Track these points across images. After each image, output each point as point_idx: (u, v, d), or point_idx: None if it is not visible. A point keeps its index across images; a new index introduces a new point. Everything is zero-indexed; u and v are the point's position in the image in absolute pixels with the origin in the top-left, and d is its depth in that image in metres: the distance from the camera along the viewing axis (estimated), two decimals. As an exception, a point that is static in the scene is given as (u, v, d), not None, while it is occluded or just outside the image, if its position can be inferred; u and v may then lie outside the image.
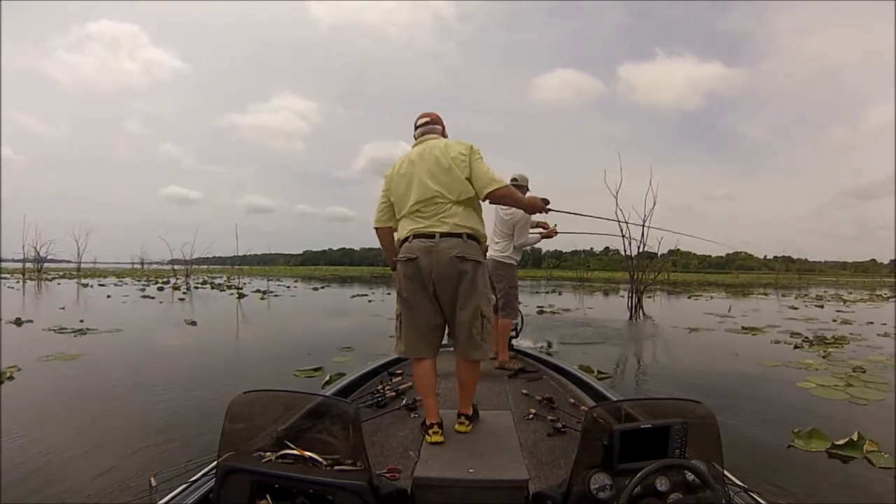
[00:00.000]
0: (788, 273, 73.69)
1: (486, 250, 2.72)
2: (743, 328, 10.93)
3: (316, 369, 6.00)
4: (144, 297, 18.45)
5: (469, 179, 2.39)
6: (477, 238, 2.45)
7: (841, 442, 3.67)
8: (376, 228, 2.67)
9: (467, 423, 2.48)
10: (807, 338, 9.34)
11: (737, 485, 1.66)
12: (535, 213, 3.00)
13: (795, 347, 8.43)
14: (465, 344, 2.42)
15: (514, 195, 2.56)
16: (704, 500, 1.43)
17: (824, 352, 7.92)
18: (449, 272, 2.34)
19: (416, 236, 2.40)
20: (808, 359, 7.25)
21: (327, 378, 5.32)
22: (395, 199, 2.53)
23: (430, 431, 2.38)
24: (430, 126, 2.60)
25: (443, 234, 2.35)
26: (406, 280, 2.42)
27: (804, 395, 5.20)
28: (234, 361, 6.95)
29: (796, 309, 16.80)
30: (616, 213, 16.18)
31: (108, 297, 18.41)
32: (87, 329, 9.28)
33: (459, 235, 2.36)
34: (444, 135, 2.64)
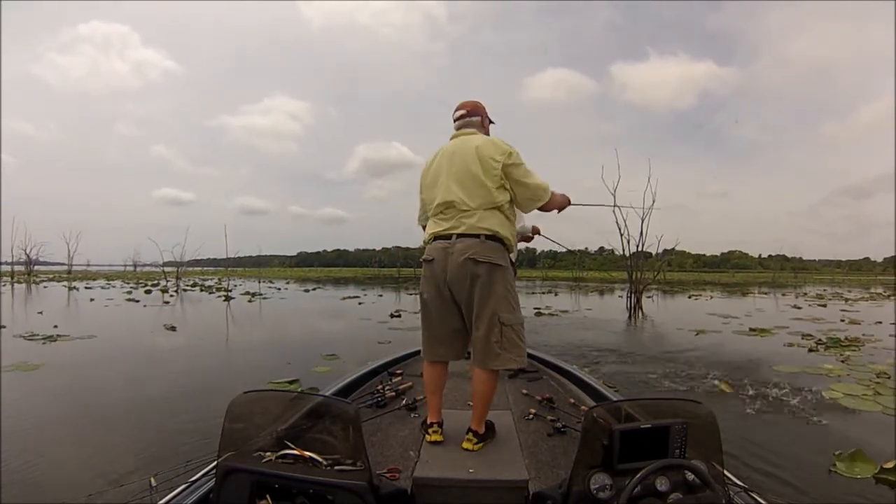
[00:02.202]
0: (784, 272, 73.69)
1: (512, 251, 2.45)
2: (750, 330, 10.48)
3: (291, 382, 5.44)
4: (129, 300, 17.79)
5: (504, 187, 2.30)
6: (500, 239, 2.30)
7: (890, 465, 3.19)
8: (423, 227, 2.58)
9: (475, 440, 2.27)
10: (820, 339, 8.89)
11: (737, 485, 1.65)
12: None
13: (810, 350, 7.98)
14: (481, 352, 2.28)
15: (555, 202, 2.47)
16: (704, 500, 1.43)
17: (841, 355, 7.47)
18: (461, 275, 2.24)
19: (436, 238, 2.35)
20: (826, 363, 6.79)
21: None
22: (425, 196, 2.48)
23: (430, 430, 2.36)
24: (467, 119, 2.48)
25: (460, 235, 2.27)
26: (425, 282, 2.39)
27: (834, 408, 4.71)
28: (204, 371, 6.38)
29: (800, 308, 16.38)
30: (614, 210, 15.91)
31: (92, 300, 17.83)
32: (59, 335, 8.79)
33: (477, 236, 2.25)
34: (484, 125, 2.52)
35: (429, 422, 2.40)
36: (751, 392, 5.15)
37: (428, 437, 2.34)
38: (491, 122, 2.59)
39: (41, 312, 13.27)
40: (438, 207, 2.36)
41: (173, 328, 10.27)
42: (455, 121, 2.50)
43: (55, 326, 9.81)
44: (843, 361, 6.95)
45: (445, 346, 2.42)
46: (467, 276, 2.24)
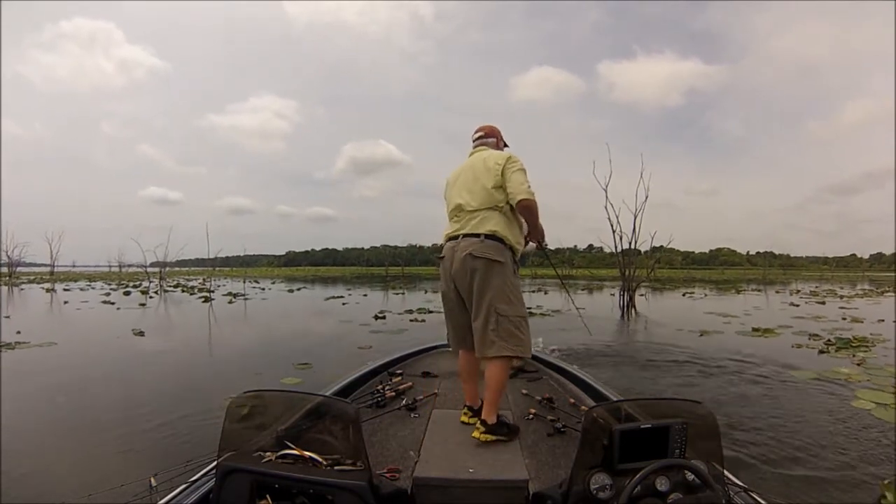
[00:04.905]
0: (772, 268, 74.03)
1: (518, 253, 2.58)
2: (753, 329, 10.02)
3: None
4: (105, 302, 17.16)
5: (502, 187, 2.46)
6: (500, 239, 2.45)
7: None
8: None
9: (482, 429, 2.32)
10: (829, 340, 8.45)
11: (737, 485, 1.63)
12: (535, 239, 2.78)
13: (820, 352, 7.53)
14: (479, 341, 2.43)
15: (535, 211, 2.51)
16: (704, 500, 1.43)
17: (854, 356, 7.05)
18: (462, 270, 2.44)
19: (448, 239, 2.59)
20: (841, 366, 6.34)
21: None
22: (446, 204, 2.71)
23: (463, 412, 2.62)
24: (484, 139, 2.75)
25: (465, 235, 2.49)
26: (441, 279, 2.62)
27: (867, 420, 4.19)
28: (159, 384, 5.81)
29: (797, 306, 16.03)
30: (606, 206, 15.58)
31: (66, 303, 17.13)
32: (18, 343, 8.19)
33: (478, 235, 2.44)
34: (498, 146, 2.76)
35: (464, 403, 2.66)
36: (767, 404, 4.65)
37: (462, 418, 2.57)
38: (506, 144, 2.84)
39: (8, 317, 12.65)
40: (452, 212, 2.62)
41: (141, 333, 9.64)
42: (473, 140, 2.77)
43: (18, 332, 9.26)
44: (858, 364, 6.52)
45: (464, 336, 2.59)
46: (467, 270, 2.43)
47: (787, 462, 3.38)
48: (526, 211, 2.48)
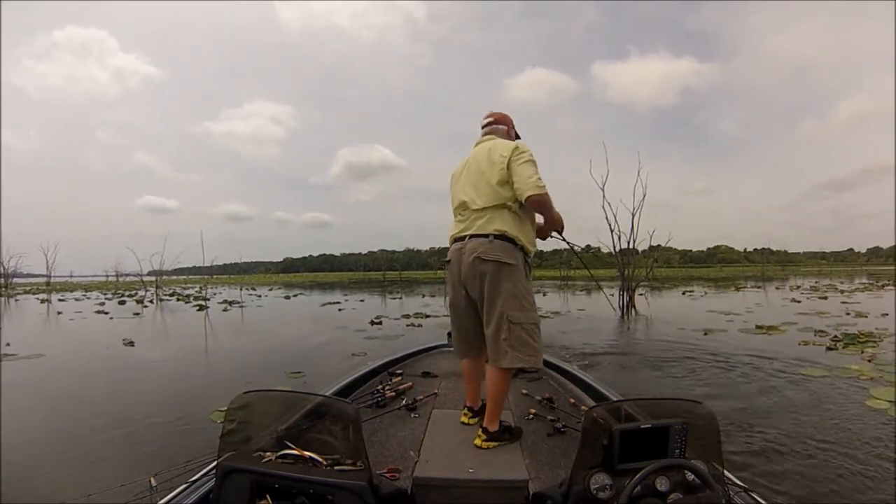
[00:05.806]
0: (770, 265, 74.07)
1: (530, 253, 2.43)
2: (757, 327, 9.84)
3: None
4: (99, 312, 16.92)
5: (509, 182, 2.31)
6: (510, 239, 2.31)
7: None
8: None
9: (485, 437, 2.26)
10: (835, 336, 8.29)
11: (737, 485, 1.62)
12: (554, 229, 2.61)
13: (828, 349, 7.36)
14: (490, 350, 2.34)
15: (548, 204, 2.35)
16: (704, 500, 1.43)
17: (862, 352, 6.89)
18: (472, 274, 2.32)
19: (455, 240, 2.45)
20: (851, 363, 6.17)
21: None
22: (451, 200, 2.57)
23: (463, 412, 2.58)
24: (493, 126, 2.58)
25: (471, 236, 2.35)
26: (447, 283, 2.50)
27: (882, 420, 4.01)
28: (146, 393, 5.64)
29: (799, 302, 15.90)
30: (603, 206, 15.46)
31: (60, 313, 16.90)
32: (6, 355, 7.99)
33: (486, 236, 2.31)
34: (509, 135, 2.59)
35: (465, 403, 2.61)
36: (795, 409, 4.43)
37: (462, 418, 2.54)
38: (517, 136, 2.65)
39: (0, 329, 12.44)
40: (456, 210, 2.47)
41: (132, 343, 9.42)
42: (482, 127, 2.60)
43: (7, 344, 9.07)
44: (868, 361, 6.34)
45: (470, 343, 2.50)
46: (476, 274, 2.30)
47: (806, 464, 3.23)
48: (537, 206, 2.34)
